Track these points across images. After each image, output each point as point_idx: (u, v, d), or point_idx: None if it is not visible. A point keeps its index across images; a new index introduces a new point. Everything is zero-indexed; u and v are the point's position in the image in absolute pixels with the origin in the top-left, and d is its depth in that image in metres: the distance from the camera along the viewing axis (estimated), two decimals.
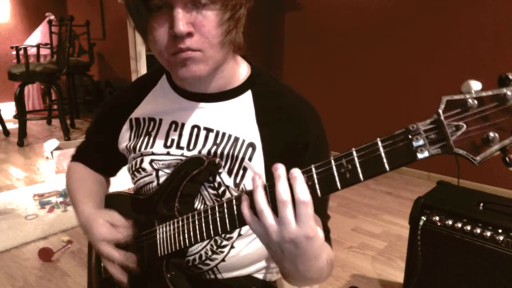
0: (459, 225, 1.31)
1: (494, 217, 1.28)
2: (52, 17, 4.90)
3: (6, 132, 4.38)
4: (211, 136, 0.76)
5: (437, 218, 1.36)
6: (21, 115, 3.97)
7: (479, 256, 1.28)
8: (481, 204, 1.36)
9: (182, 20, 0.61)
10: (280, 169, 0.52)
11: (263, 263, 0.85)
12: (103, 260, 0.79)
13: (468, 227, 1.29)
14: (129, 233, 0.77)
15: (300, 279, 0.61)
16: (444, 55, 2.79)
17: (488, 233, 1.25)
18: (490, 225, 1.26)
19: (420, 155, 0.46)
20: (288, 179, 0.51)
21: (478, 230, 1.27)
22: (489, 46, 2.59)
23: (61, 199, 2.64)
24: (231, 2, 0.63)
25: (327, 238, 0.76)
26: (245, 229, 0.78)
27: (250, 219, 0.55)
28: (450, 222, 1.33)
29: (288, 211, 0.50)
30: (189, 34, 0.63)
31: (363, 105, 3.30)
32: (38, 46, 4.70)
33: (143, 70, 4.08)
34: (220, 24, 0.64)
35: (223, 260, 0.79)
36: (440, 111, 0.44)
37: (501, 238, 1.23)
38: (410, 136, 0.46)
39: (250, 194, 0.56)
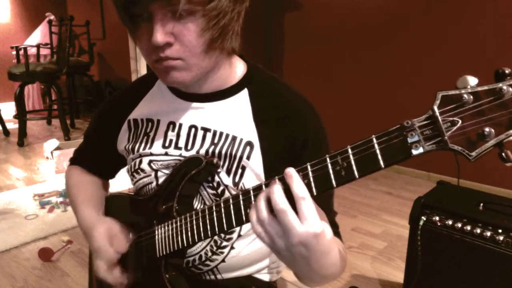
0: (459, 225, 1.31)
1: (494, 217, 1.28)
2: (52, 17, 4.90)
3: (6, 132, 4.38)
4: (209, 135, 0.76)
5: (437, 218, 1.36)
6: (21, 115, 3.97)
7: (479, 256, 1.28)
8: (481, 204, 1.36)
9: (160, 30, 0.61)
10: (274, 181, 0.52)
11: (263, 264, 0.85)
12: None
13: (468, 227, 1.29)
14: (127, 244, 0.77)
15: (316, 278, 0.60)
16: (442, 54, 2.79)
17: (488, 233, 1.25)
18: (490, 225, 1.26)
19: (415, 151, 0.45)
20: (284, 179, 0.51)
21: (478, 230, 1.27)
22: (487, 44, 2.60)
23: (61, 199, 2.64)
24: (212, 12, 0.62)
25: (337, 233, 0.76)
26: (245, 229, 0.78)
27: (256, 227, 0.53)
28: (450, 222, 1.33)
29: (290, 217, 0.49)
30: (168, 44, 0.63)
31: (363, 103, 3.30)
32: (38, 46, 4.70)
33: (143, 70, 4.08)
34: (201, 33, 0.63)
35: (223, 260, 0.79)
36: (435, 106, 0.44)
37: (501, 238, 1.23)
38: (405, 133, 0.46)
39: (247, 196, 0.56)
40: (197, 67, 0.67)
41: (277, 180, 0.53)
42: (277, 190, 0.51)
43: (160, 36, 0.61)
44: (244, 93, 0.76)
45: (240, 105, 0.75)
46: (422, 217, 1.39)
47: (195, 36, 0.63)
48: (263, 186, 0.55)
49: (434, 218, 1.37)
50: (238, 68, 0.78)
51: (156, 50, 0.64)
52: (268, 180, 0.54)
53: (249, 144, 0.73)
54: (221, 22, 0.63)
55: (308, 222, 0.49)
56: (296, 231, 0.49)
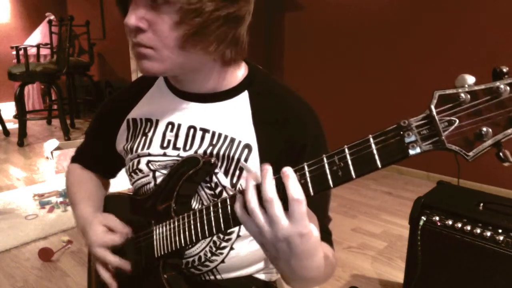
0: (459, 225, 1.31)
1: (494, 217, 1.28)
2: (52, 17, 4.90)
3: (6, 132, 4.38)
4: (207, 136, 0.75)
5: (437, 218, 1.36)
6: (21, 115, 3.97)
7: (479, 256, 1.28)
8: (481, 204, 1.36)
9: (133, 14, 0.63)
10: (266, 169, 0.52)
11: (262, 264, 0.85)
12: (97, 264, 0.79)
13: (468, 227, 1.29)
14: (126, 237, 0.77)
15: (297, 279, 0.60)
16: (441, 53, 2.79)
17: (488, 233, 1.25)
18: (490, 225, 1.26)
19: (412, 151, 0.45)
20: (280, 178, 0.51)
21: (478, 230, 1.27)
22: (487, 44, 2.59)
23: (61, 199, 2.64)
24: (189, 6, 0.61)
25: (329, 241, 0.75)
26: (244, 230, 0.77)
27: (244, 219, 0.54)
28: (450, 222, 1.33)
29: (276, 210, 0.50)
30: (141, 30, 0.64)
31: (362, 103, 3.30)
32: (38, 46, 4.70)
33: None
34: (174, 26, 0.63)
35: (222, 261, 0.79)
36: (432, 106, 0.43)
37: (501, 238, 1.23)
38: (401, 132, 0.45)
39: (243, 193, 0.56)
40: (170, 60, 0.66)
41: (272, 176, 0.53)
42: (268, 180, 0.51)
43: (132, 19, 0.62)
44: (244, 95, 0.76)
45: (240, 107, 0.75)
46: (422, 217, 1.38)
47: (167, 27, 0.63)
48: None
49: (434, 218, 1.37)
50: (239, 70, 0.77)
51: (131, 35, 0.65)
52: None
53: (247, 146, 0.73)
54: (196, 20, 0.62)
55: (296, 222, 0.50)
56: (282, 226, 0.50)
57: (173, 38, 0.64)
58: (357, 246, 2.12)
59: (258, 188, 0.53)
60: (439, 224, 1.36)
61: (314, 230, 0.52)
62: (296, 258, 0.53)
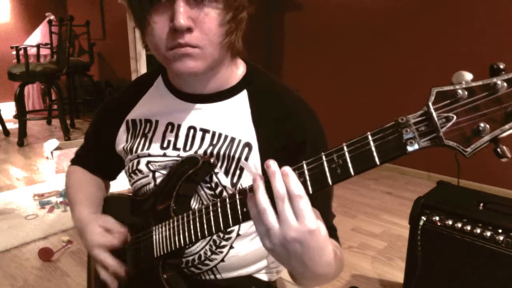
0: (459, 225, 1.31)
1: (494, 217, 1.28)
2: (52, 17, 4.90)
3: (6, 132, 4.38)
4: (208, 137, 0.76)
5: (437, 218, 1.36)
6: (21, 115, 3.97)
7: (479, 256, 1.28)
8: (481, 204, 1.36)
9: (183, 14, 0.60)
10: (273, 165, 0.51)
11: (262, 263, 0.85)
12: (96, 265, 0.79)
13: (468, 227, 1.29)
14: (123, 238, 0.77)
15: (310, 277, 0.59)
16: (440, 52, 2.79)
17: (488, 233, 1.25)
18: (490, 225, 1.26)
19: (410, 148, 0.45)
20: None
21: (478, 230, 1.27)
22: (484, 42, 2.59)
23: (61, 199, 2.64)
24: (234, 3, 0.63)
25: (335, 236, 0.76)
26: (243, 229, 0.78)
27: (256, 218, 0.53)
28: (450, 222, 1.33)
29: (286, 206, 0.50)
30: (189, 30, 0.62)
31: (362, 101, 3.30)
32: (38, 46, 4.70)
33: (143, 70, 4.07)
34: (222, 24, 0.63)
35: (222, 260, 0.79)
36: (430, 102, 0.44)
37: (501, 238, 1.23)
38: (399, 129, 0.45)
39: (250, 192, 0.55)
40: (212, 57, 0.66)
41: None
42: (278, 177, 0.51)
43: (183, 19, 0.60)
44: (243, 95, 0.76)
45: (239, 107, 0.75)
46: (422, 217, 1.38)
47: (216, 24, 0.63)
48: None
49: (434, 218, 1.37)
50: (237, 69, 0.78)
51: (174, 36, 0.63)
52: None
53: (248, 145, 0.73)
54: (238, 16, 0.64)
55: (304, 219, 0.49)
56: (291, 225, 0.49)
57: (220, 36, 0.64)
58: (357, 246, 2.12)
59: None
60: (439, 224, 1.36)
61: (321, 226, 0.52)
62: (308, 256, 0.52)
